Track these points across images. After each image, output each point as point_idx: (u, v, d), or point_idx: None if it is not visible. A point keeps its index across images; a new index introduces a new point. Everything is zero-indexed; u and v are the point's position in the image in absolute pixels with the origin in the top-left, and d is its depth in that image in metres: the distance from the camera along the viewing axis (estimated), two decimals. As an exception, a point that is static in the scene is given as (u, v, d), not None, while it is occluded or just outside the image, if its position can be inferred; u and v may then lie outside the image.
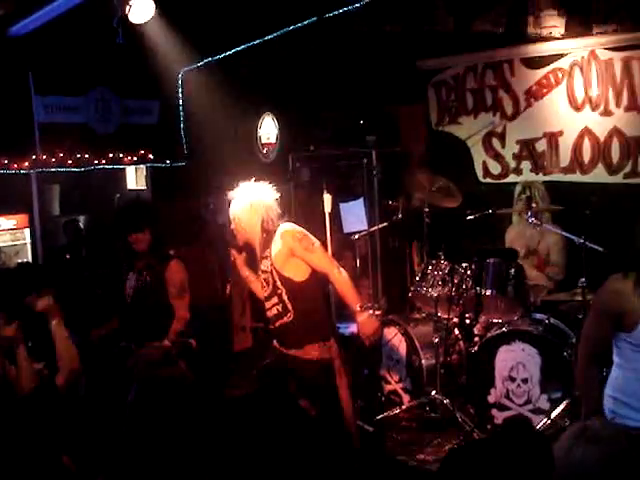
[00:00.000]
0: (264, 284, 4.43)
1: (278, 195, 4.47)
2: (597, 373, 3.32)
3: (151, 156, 7.72)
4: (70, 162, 7.04)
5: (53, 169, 7.03)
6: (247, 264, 4.68)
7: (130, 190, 8.62)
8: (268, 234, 4.36)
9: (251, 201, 4.38)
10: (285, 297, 4.32)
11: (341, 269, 4.38)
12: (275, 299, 4.37)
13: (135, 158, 7.62)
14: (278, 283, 4.33)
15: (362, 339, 4.39)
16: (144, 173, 8.42)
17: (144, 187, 8.47)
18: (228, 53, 7.50)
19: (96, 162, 7.29)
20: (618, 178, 6.28)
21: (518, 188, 6.21)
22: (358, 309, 4.31)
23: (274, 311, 4.39)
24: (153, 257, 5.20)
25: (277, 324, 4.40)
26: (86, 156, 7.15)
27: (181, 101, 7.94)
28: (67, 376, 3.54)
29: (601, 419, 2.76)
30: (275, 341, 4.52)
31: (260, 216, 4.36)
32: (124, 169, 8.30)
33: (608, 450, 2.06)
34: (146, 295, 5.22)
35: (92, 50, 6.69)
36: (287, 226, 4.38)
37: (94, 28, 6.21)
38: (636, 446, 2.11)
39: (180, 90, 7.93)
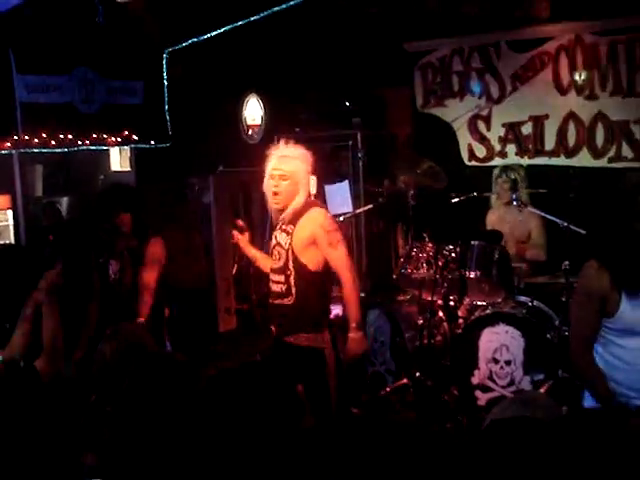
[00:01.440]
0: (276, 256, 4.25)
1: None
2: (593, 357, 3.26)
3: (135, 137, 7.64)
4: (53, 143, 6.94)
5: (36, 149, 6.95)
6: (251, 243, 4.55)
7: (114, 171, 8.56)
8: (302, 206, 4.17)
9: (307, 162, 4.24)
10: (292, 281, 4.17)
11: (355, 277, 4.23)
12: (282, 277, 4.20)
13: (119, 139, 7.53)
14: (290, 264, 4.16)
15: (346, 356, 4.24)
16: (128, 154, 8.33)
17: (128, 168, 8.40)
18: (213, 34, 7.43)
19: (79, 143, 7.19)
20: (602, 162, 6.32)
21: (496, 171, 6.22)
22: (354, 325, 4.16)
23: (277, 288, 4.24)
24: (134, 238, 5.20)
25: (276, 302, 4.26)
26: (69, 137, 7.06)
27: (166, 82, 7.86)
28: (52, 362, 3.30)
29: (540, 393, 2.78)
30: (272, 325, 4.39)
31: (308, 180, 4.25)
32: (108, 150, 8.21)
33: (541, 416, 2.06)
34: (126, 276, 5.22)
35: (75, 29, 6.60)
36: (320, 212, 4.22)
37: (77, 6, 6.14)
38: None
39: (165, 70, 7.85)
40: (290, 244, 4.16)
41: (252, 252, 4.53)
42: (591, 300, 3.16)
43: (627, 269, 3.04)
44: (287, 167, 4.19)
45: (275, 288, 4.26)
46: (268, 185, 4.27)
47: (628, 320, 3.06)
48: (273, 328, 4.37)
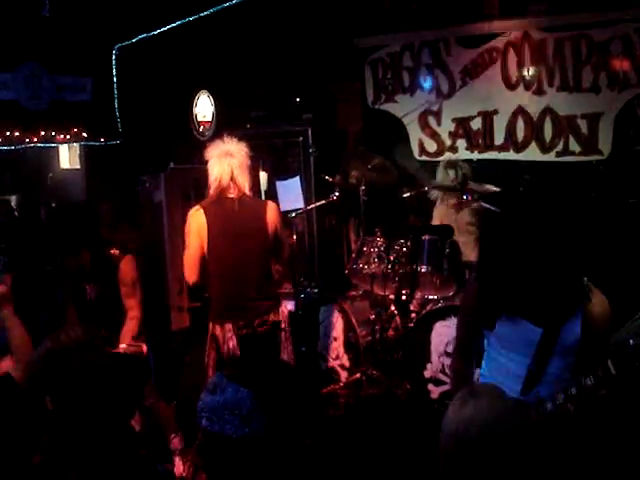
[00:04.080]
0: None
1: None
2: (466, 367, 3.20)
3: (85, 134, 7.54)
4: (0, 140, 6.84)
5: (-18, 148, 6.82)
6: None
7: (64, 169, 8.42)
8: None
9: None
10: None
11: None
12: None
13: (68, 136, 7.43)
14: None
15: None
16: (77, 152, 8.22)
17: (78, 166, 8.28)
18: (163, 29, 7.36)
19: (27, 140, 7.08)
20: (550, 156, 6.40)
21: (440, 167, 6.27)
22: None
23: None
24: None
25: None
26: (16, 134, 6.94)
27: (115, 78, 7.76)
28: (26, 369, 3.10)
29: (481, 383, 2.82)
30: None
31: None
32: (57, 147, 8.08)
33: (496, 403, 2.12)
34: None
35: (21, 24, 6.49)
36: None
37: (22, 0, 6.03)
38: None
39: (114, 66, 7.75)
40: None
41: None
42: (470, 315, 3.13)
43: None
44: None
45: None
46: None
47: None
48: None
